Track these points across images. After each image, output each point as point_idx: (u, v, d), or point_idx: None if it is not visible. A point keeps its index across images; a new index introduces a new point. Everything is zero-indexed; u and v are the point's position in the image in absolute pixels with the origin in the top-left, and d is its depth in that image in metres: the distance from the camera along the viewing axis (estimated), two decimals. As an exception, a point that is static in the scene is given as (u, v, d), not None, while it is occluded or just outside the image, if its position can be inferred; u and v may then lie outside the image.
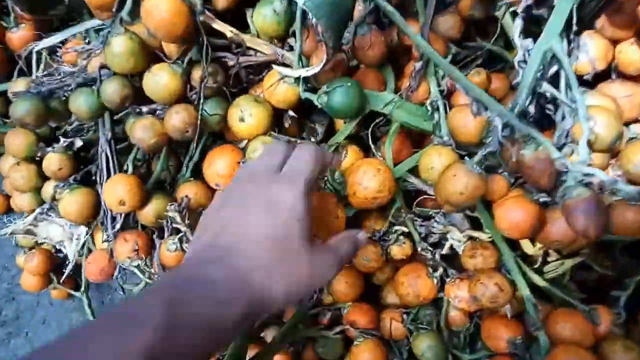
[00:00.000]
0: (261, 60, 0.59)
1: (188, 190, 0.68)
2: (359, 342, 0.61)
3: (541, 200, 0.48)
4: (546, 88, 0.44)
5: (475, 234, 0.63)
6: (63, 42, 0.71)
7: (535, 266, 0.61)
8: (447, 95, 0.59)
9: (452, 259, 0.66)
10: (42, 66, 0.69)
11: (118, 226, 0.69)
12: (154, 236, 0.70)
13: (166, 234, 0.67)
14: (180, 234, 0.63)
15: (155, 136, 0.55)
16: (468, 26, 0.62)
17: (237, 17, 0.61)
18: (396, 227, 0.64)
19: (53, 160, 0.71)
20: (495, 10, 0.56)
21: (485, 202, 0.59)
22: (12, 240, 0.92)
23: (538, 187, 0.47)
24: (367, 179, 0.53)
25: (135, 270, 0.65)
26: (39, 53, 0.71)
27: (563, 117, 0.46)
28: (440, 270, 0.64)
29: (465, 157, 0.50)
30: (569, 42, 0.46)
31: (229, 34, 0.60)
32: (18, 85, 0.65)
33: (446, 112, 0.57)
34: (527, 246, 0.60)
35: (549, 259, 0.63)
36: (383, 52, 0.57)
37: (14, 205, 0.81)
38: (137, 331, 0.28)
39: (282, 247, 0.36)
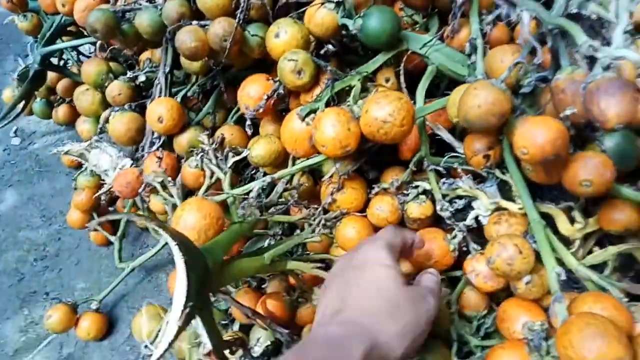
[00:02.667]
0: (311, -8, 0.61)
1: (226, 131, 0.70)
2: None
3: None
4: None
5: (506, 204, 0.56)
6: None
7: (572, 250, 0.53)
8: (490, 44, 0.56)
9: (478, 235, 0.60)
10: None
11: (154, 148, 0.72)
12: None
13: (193, 159, 0.68)
14: (202, 154, 0.63)
15: (196, 40, 0.58)
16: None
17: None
18: (417, 183, 0.60)
19: (115, 87, 0.78)
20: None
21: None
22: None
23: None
24: (383, 103, 0.50)
25: (157, 186, 0.65)
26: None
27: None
28: (459, 236, 0.57)
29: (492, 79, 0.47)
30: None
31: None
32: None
33: (485, 54, 0.54)
34: (562, 225, 0.53)
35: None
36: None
37: (78, 130, 0.88)
38: None
39: (382, 297, 0.41)
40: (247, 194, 0.56)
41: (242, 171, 0.77)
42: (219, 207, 0.51)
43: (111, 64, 0.85)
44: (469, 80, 0.53)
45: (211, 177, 0.61)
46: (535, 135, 0.40)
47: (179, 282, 0.38)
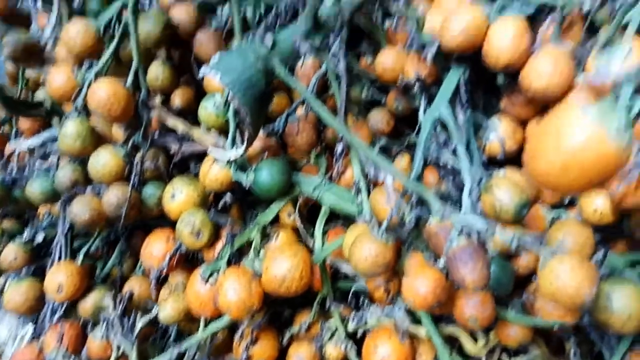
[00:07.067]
0: (203, 149, 0.63)
1: (134, 284, 0.68)
2: None
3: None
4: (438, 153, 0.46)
5: (414, 329, 0.58)
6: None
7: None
8: (375, 183, 0.60)
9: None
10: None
11: (56, 318, 0.68)
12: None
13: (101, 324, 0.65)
14: (107, 322, 0.61)
15: (90, 211, 0.58)
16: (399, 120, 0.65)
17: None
18: (330, 323, 0.61)
19: (9, 251, 0.74)
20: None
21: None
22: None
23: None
24: (280, 259, 0.51)
25: (60, 363, 0.61)
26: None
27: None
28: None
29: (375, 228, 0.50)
30: (465, 112, 0.49)
31: (180, 129, 0.66)
32: (-11, 175, 0.71)
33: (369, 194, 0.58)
34: (467, 344, 0.56)
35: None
36: (312, 139, 0.61)
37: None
38: None
39: None
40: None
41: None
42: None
43: (4, 223, 0.81)
44: (359, 220, 0.56)
45: (118, 349, 0.58)
46: (417, 287, 0.43)
47: None
